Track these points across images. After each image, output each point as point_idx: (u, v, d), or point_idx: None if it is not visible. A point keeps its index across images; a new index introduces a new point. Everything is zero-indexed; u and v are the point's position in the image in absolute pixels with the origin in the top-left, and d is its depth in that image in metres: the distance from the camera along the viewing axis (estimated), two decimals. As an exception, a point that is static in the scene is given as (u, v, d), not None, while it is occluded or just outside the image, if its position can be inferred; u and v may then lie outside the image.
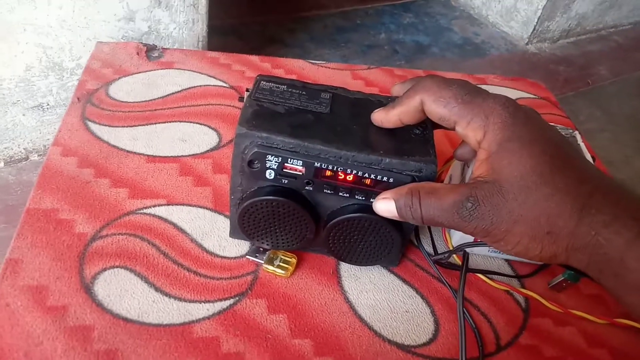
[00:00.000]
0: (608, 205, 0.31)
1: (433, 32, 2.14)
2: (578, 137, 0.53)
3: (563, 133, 0.53)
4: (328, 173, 0.39)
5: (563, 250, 0.32)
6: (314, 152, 0.38)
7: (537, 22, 2.12)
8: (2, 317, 0.38)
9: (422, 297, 0.46)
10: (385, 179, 0.39)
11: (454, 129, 0.37)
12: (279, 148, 0.38)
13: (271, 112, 0.40)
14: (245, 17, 1.90)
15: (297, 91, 0.43)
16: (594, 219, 0.31)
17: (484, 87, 0.75)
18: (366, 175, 0.39)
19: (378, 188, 0.39)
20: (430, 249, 0.49)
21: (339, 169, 0.39)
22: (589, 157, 0.50)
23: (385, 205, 0.38)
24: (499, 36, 2.22)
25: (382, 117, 0.40)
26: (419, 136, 0.40)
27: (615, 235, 0.30)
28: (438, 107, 0.36)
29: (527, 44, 2.18)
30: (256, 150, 0.38)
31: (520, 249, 0.33)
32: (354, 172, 0.39)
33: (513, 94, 0.76)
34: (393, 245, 0.43)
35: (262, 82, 0.43)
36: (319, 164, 0.38)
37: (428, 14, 2.27)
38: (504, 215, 0.32)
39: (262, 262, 0.45)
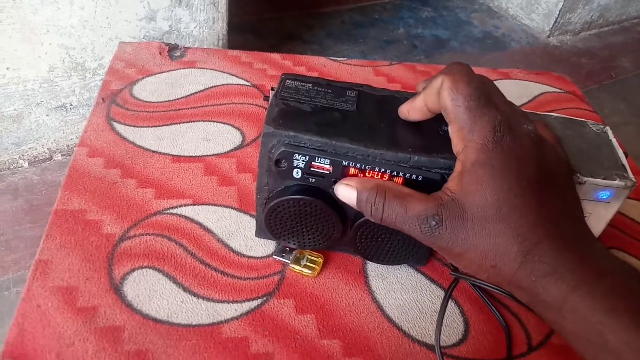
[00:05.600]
0: (551, 255, 0.32)
1: (452, 26, 2.12)
2: (609, 132, 0.52)
3: (594, 129, 0.51)
4: (356, 171, 0.38)
5: (506, 284, 0.34)
6: (342, 151, 0.38)
7: (558, 15, 2.08)
8: (34, 318, 0.38)
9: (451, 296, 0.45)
10: (414, 177, 0.38)
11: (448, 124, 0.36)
12: (306, 147, 0.38)
13: (297, 111, 0.40)
14: (263, 14, 1.90)
15: (323, 89, 0.42)
16: (535, 266, 0.32)
17: (507, 81, 0.75)
18: (394, 173, 0.38)
19: (406, 186, 0.38)
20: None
21: (366, 167, 0.38)
22: (620, 152, 0.49)
23: (346, 192, 0.38)
24: (520, 29, 2.19)
25: (409, 107, 0.39)
26: (447, 133, 0.39)
27: (552, 286, 0.31)
28: (447, 97, 0.35)
29: (548, 36, 2.14)
30: (283, 149, 0.38)
31: (469, 271, 0.35)
32: (382, 170, 0.38)
33: (538, 88, 0.75)
34: (420, 244, 0.42)
35: (287, 80, 0.43)
36: (346, 163, 0.38)
37: (447, 8, 2.24)
38: (459, 240, 0.33)
39: (289, 261, 0.45)
